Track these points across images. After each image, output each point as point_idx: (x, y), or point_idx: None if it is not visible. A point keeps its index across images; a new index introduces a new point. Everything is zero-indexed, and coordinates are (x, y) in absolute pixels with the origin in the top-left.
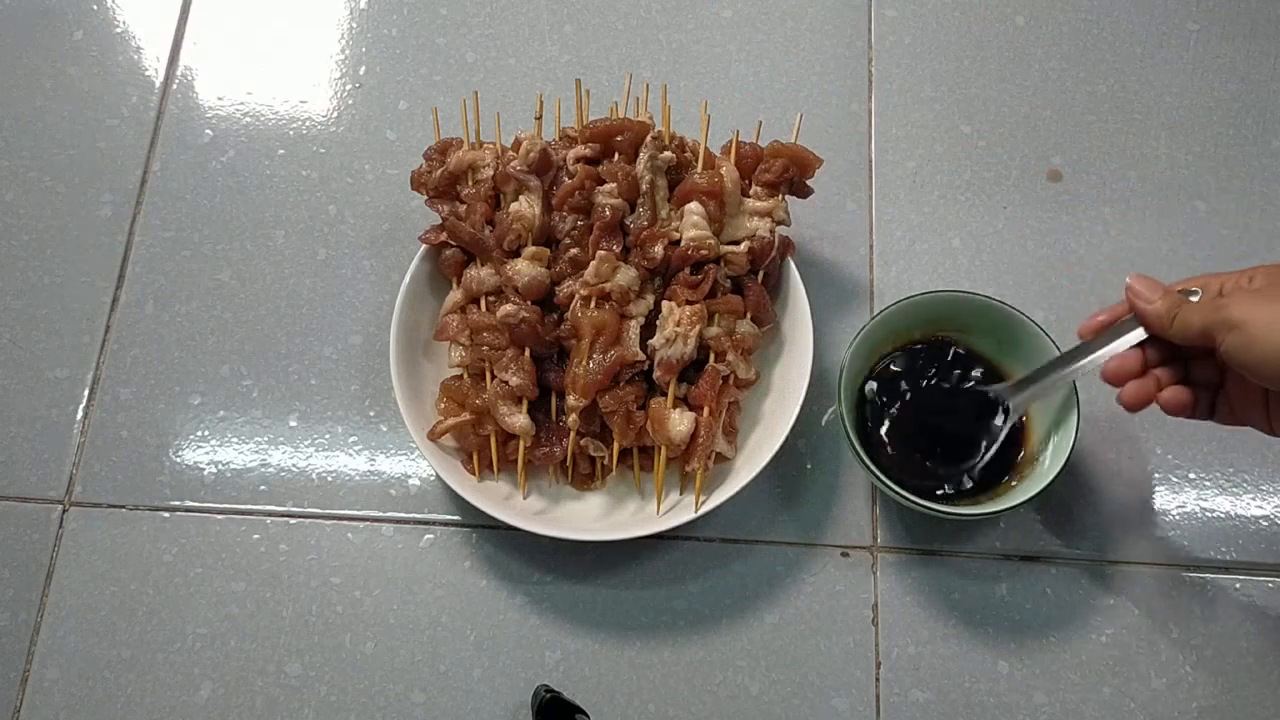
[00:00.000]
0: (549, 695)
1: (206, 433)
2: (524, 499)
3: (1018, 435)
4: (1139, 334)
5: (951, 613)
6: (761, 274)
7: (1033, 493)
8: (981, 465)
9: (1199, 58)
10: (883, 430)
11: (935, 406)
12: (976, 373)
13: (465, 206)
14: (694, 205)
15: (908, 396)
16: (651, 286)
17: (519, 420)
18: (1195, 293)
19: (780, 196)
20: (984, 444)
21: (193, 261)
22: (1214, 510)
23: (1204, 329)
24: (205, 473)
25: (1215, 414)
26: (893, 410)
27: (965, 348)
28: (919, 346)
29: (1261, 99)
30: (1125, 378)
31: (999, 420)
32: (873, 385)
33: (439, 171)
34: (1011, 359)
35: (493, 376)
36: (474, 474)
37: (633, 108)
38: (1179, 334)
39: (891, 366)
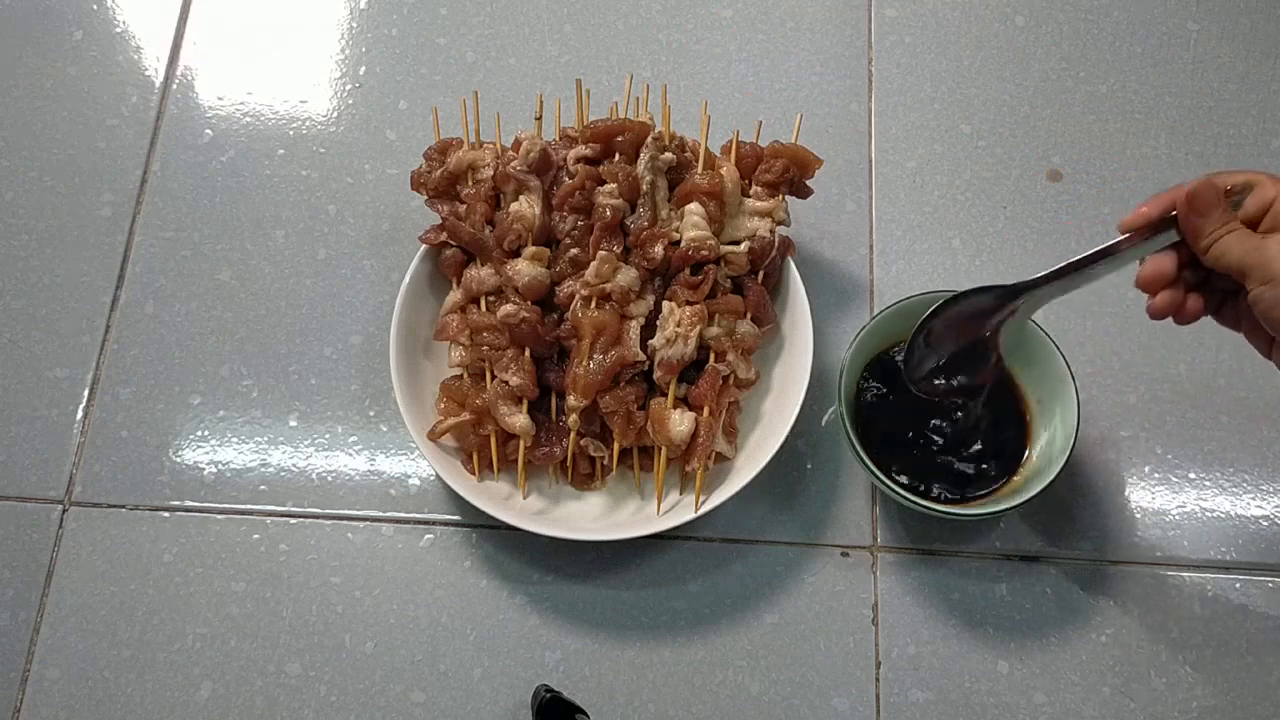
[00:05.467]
0: (549, 695)
1: (206, 433)
2: (524, 499)
3: (1020, 436)
4: (1174, 236)
5: (951, 613)
6: (761, 274)
7: (1033, 493)
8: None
9: (1199, 58)
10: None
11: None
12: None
13: (465, 206)
14: (694, 205)
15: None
16: (652, 287)
17: (519, 420)
18: (1241, 195)
19: (780, 196)
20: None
21: (193, 261)
22: (1214, 510)
23: (1239, 266)
24: (205, 473)
25: (1219, 314)
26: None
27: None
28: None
29: (1261, 99)
30: (1159, 286)
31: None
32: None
33: (439, 171)
34: (1011, 359)
35: (493, 376)
36: (474, 474)
37: (633, 108)
38: (1212, 260)
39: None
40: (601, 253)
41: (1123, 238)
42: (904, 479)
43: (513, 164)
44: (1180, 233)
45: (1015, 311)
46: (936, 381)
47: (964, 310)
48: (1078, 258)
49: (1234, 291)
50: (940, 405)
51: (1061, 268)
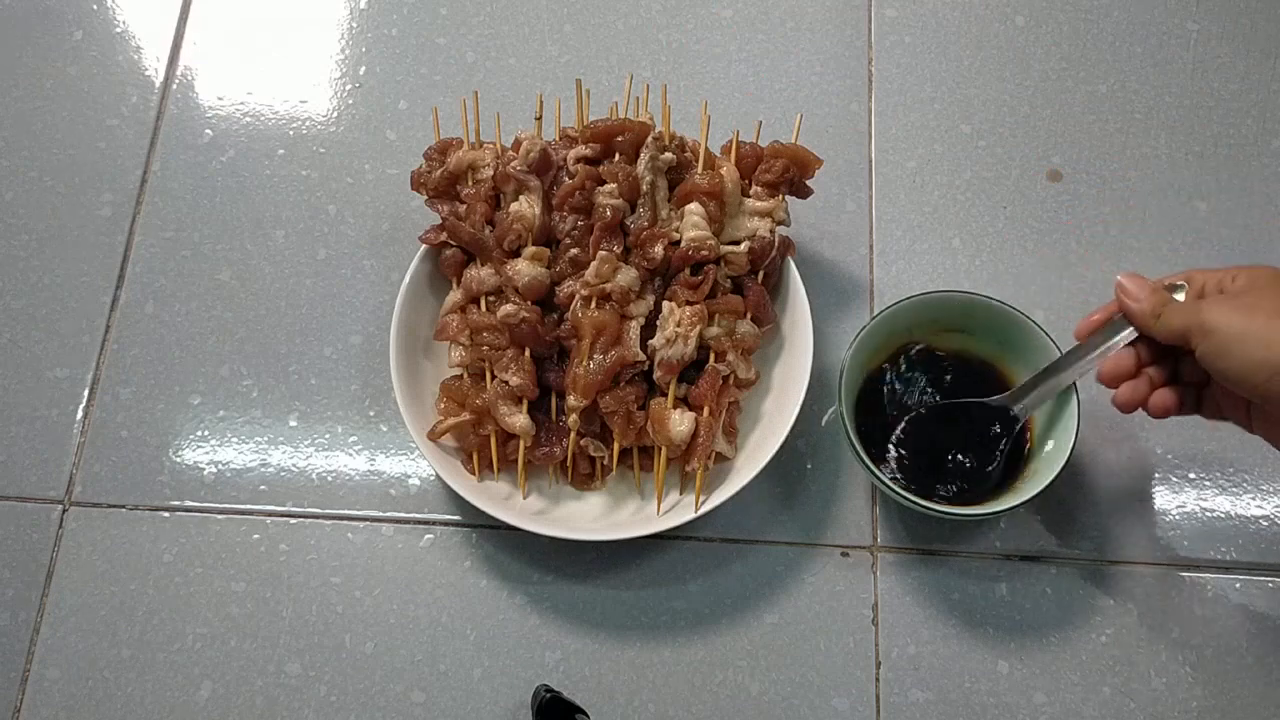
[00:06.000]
0: (549, 695)
1: (206, 433)
2: (524, 499)
3: (1019, 435)
4: (1131, 332)
5: (951, 613)
6: (761, 274)
7: (1033, 493)
8: (989, 480)
9: (1199, 58)
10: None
11: (936, 420)
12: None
13: (465, 206)
14: (694, 206)
15: (909, 405)
16: (652, 287)
17: (519, 420)
18: (1181, 288)
19: (780, 196)
20: (986, 456)
21: (193, 261)
22: (1214, 510)
23: (1183, 331)
24: (205, 473)
25: (1201, 409)
26: (894, 413)
27: (963, 357)
28: (914, 355)
29: (1261, 99)
30: (1120, 379)
31: (999, 430)
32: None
33: (439, 171)
34: (1012, 359)
35: (493, 376)
36: (474, 474)
37: (633, 108)
38: (1162, 333)
39: (889, 374)
40: (601, 253)
41: (1079, 344)
42: (904, 479)
43: (513, 164)
44: (1131, 323)
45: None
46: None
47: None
48: (1048, 365)
49: (1205, 383)
50: (941, 406)
51: (1025, 384)
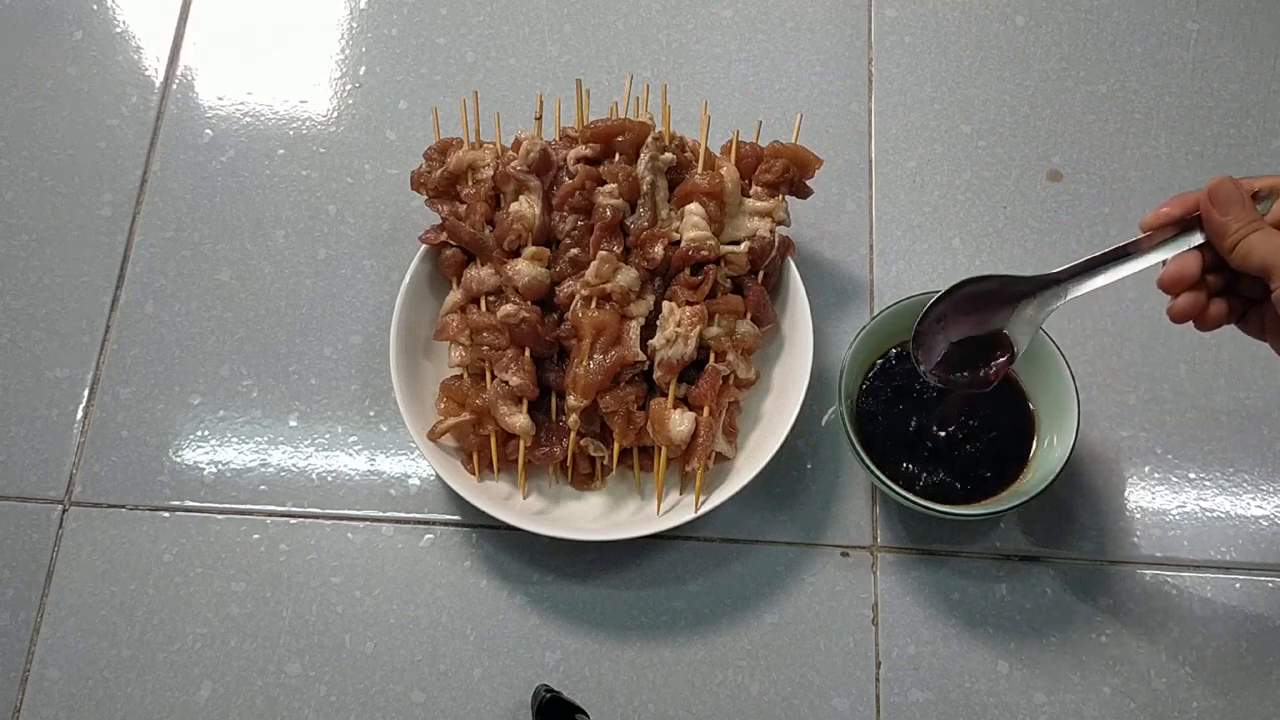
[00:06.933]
0: (549, 695)
1: (206, 433)
2: (524, 499)
3: (1020, 436)
4: (1198, 238)
5: (951, 613)
6: (761, 274)
7: (1033, 493)
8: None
9: (1199, 58)
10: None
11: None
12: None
13: (465, 206)
14: (694, 206)
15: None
16: (652, 287)
17: (519, 420)
18: (1268, 201)
19: (780, 196)
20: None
21: (193, 261)
22: (1214, 510)
23: (1263, 266)
24: (205, 473)
25: (1245, 322)
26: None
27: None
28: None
29: (1261, 99)
30: (1182, 286)
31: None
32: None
33: (439, 171)
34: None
35: (493, 376)
36: (474, 474)
37: (633, 108)
38: (1237, 259)
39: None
40: (601, 253)
41: (1143, 236)
42: (904, 479)
43: (513, 164)
44: (1204, 234)
45: (1027, 306)
46: (940, 371)
47: (975, 295)
48: (1097, 254)
49: (1259, 299)
50: (941, 406)
51: (1079, 264)
